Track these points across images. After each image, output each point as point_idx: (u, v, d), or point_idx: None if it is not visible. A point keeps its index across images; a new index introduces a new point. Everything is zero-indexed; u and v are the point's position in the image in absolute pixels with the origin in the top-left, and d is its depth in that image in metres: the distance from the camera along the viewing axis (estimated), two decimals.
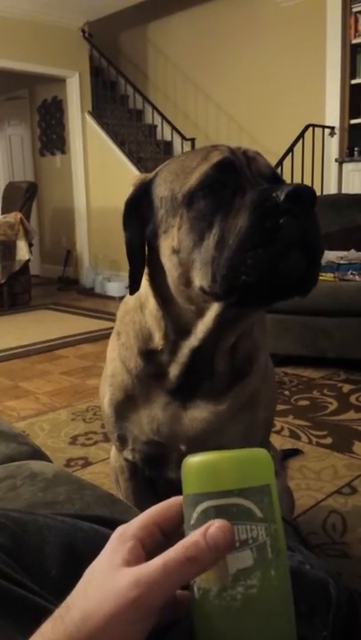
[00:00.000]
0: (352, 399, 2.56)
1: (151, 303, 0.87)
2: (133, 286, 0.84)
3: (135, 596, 0.38)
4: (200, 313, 0.82)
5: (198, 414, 0.90)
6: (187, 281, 0.78)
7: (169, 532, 0.43)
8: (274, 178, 0.79)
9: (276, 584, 0.40)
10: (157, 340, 0.87)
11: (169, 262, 0.79)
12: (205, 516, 0.40)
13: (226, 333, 0.84)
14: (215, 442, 0.92)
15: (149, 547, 0.42)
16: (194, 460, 0.43)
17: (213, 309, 0.79)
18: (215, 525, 0.39)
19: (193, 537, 0.39)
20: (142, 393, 0.92)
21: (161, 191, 0.79)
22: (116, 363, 0.94)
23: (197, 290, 0.77)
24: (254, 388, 0.95)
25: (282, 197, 0.68)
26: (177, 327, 0.85)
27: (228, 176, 0.74)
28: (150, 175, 0.84)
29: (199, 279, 0.76)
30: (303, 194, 0.69)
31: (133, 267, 0.83)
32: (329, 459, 1.97)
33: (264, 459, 0.43)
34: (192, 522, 0.41)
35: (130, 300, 0.93)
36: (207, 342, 0.84)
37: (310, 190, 0.70)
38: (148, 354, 0.89)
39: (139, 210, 0.82)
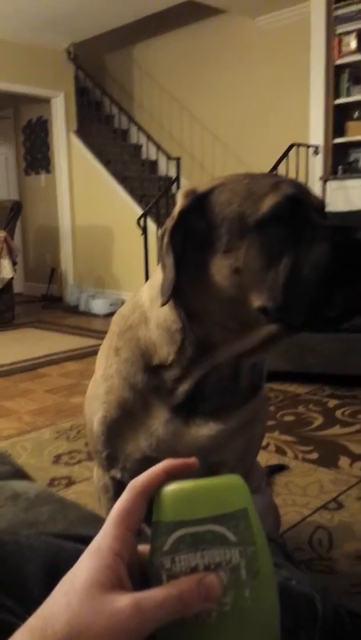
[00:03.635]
0: (337, 414, 2.56)
1: (161, 316, 0.86)
2: (170, 296, 0.82)
3: (135, 622, 0.38)
4: (243, 331, 0.83)
5: (206, 431, 0.89)
6: (243, 300, 0.80)
7: (136, 529, 0.44)
8: (322, 210, 0.86)
9: (250, 604, 0.41)
10: (165, 354, 0.86)
11: (226, 281, 0.80)
12: (181, 543, 0.42)
13: (263, 350, 0.87)
14: (217, 457, 0.92)
15: (125, 555, 0.42)
16: (170, 489, 0.44)
17: (265, 330, 0.82)
18: (210, 577, 0.41)
19: (188, 582, 0.40)
20: (142, 409, 0.91)
21: (223, 210, 0.80)
22: (114, 380, 0.92)
23: (253, 310, 0.80)
24: (258, 404, 0.96)
25: None
26: (201, 342, 0.85)
27: (297, 208, 0.79)
28: (201, 189, 0.84)
29: (262, 301, 0.79)
30: None
31: (176, 276, 0.82)
32: (315, 474, 1.97)
33: (239, 484, 0.44)
34: (165, 548, 0.42)
35: (129, 315, 0.92)
36: (233, 359, 0.86)
37: None
38: (154, 369, 0.88)
39: (185, 221, 0.83)
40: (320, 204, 0.85)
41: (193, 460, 0.47)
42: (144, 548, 0.45)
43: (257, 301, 0.79)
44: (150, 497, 0.44)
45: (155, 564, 0.42)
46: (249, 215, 0.78)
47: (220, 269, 0.80)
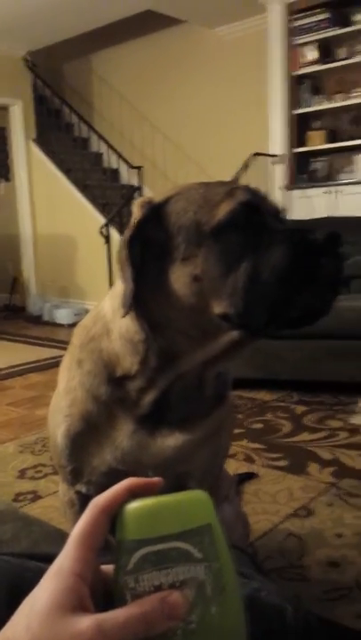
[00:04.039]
0: (305, 420, 2.58)
1: (123, 327, 0.85)
2: (130, 307, 0.82)
3: None
4: (206, 338, 0.83)
5: (172, 442, 0.88)
6: (204, 308, 0.80)
7: (98, 549, 0.43)
8: (279, 215, 0.86)
9: (216, 621, 0.41)
10: (128, 366, 0.86)
11: (186, 289, 0.80)
12: (145, 562, 0.41)
13: (227, 357, 0.87)
14: (183, 467, 0.92)
15: (87, 576, 0.42)
16: (132, 507, 0.43)
17: (228, 336, 0.82)
18: (174, 595, 0.40)
19: (152, 602, 0.40)
20: (107, 421, 0.89)
21: (180, 219, 0.81)
22: (77, 392, 0.91)
23: (215, 317, 0.80)
24: (224, 413, 0.96)
25: (322, 239, 0.75)
26: (165, 352, 0.84)
27: (253, 214, 0.79)
28: (158, 199, 0.84)
29: (222, 308, 0.79)
30: (338, 237, 0.76)
31: (136, 287, 0.81)
32: (284, 481, 1.97)
33: (202, 499, 0.44)
34: (129, 567, 0.41)
35: (92, 326, 0.91)
36: (198, 368, 0.86)
37: (340, 234, 0.77)
38: (117, 380, 0.87)
39: (142, 231, 0.83)
40: (276, 210, 0.86)
41: (157, 479, 0.46)
42: (108, 567, 0.44)
43: (218, 308, 0.79)
44: (113, 515, 0.44)
45: (119, 584, 0.41)
46: (205, 223, 0.79)
47: (180, 278, 0.80)
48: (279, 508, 1.77)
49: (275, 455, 2.19)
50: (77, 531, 0.43)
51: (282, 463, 2.12)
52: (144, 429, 0.88)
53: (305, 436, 2.38)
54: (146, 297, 0.82)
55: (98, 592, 0.42)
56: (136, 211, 0.83)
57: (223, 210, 0.78)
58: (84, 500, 1.01)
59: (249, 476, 1.99)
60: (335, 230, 0.76)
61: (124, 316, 0.83)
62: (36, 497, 1.94)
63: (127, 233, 0.82)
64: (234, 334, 0.82)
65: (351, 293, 3.24)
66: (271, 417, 2.64)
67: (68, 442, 0.92)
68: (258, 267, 0.77)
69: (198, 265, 0.79)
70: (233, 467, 2.05)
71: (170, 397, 0.87)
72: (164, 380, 0.86)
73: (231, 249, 0.78)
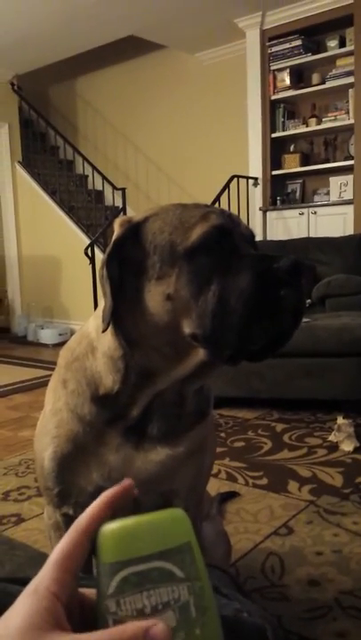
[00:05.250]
0: (285, 438, 2.61)
1: (105, 344, 0.87)
2: (109, 322, 0.84)
3: None
4: (179, 357, 0.85)
5: (155, 457, 0.89)
6: (175, 327, 0.82)
7: (77, 571, 0.43)
8: (252, 240, 0.88)
9: None
10: (110, 384, 0.87)
11: (159, 307, 0.82)
12: (126, 584, 0.40)
13: (201, 376, 0.88)
14: (167, 485, 0.92)
15: (63, 598, 0.41)
16: (110, 528, 0.42)
17: (199, 355, 0.84)
18: (159, 627, 0.38)
19: (134, 629, 0.38)
20: (93, 440, 0.90)
21: (156, 239, 0.83)
22: (63, 413, 0.92)
23: (186, 336, 0.82)
24: (206, 431, 0.97)
25: (285, 269, 0.77)
26: (142, 369, 0.86)
27: (225, 238, 0.81)
28: (137, 218, 0.86)
29: (192, 328, 0.81)
30: (302, 267, 0.79)
31: (114, 304, 0.84)
32: (265, 499, 1.99)
33: (181, 517, 0.43)
34: (111, 591, 0.40)
35: (76, 346, 0.93)
36: (176, 384, 0.87)
37: (305, 263, 0.78)
38: (101, 399, 0.88)
39: (121, 249, 0.85)
40: (249, 235, 0.88)
41: (128, 481, 0.46)
42: (91, 592, 0.44)
43: (187, 328, 0.81)
44: (95, 535, 0.43)
45: (100, 609, 0.40)
46: (179, 244, 0.81)
47: (154, 296, 0.82)
48: (260, 527, 1.79)
49: (256, 474, 2.22)
50: (57, 552, 0.42)
51: (263, 481, 2.14)
52: (129, 442, 0.89)
53: (285, 454, 2.41)
54: (124, 313, 0.84)
55: (74, 616, 0.42)
56: (116, 229, 0.86)
57: (197, 232, 0.80)
58: (70, 523, 1.00)
59: (231, 495, 2.01)
60: (299, 260, 0.79)
61: (103, 331, 0.84)
62: (19, 519, 1.93)
63: (107, 250, 0.85)
64: (202, 354, 0.83)
65: (327, 312, 3.30)
66: (252, 435, 2.66)
67: (55, 465, 0.92)
68: (225, 291, 0.79)
69: (171, 284, 0.81)
70: (216, 485, 2.06)
71: (151, 413, 0.88)
72: (144, 397, 0.87)
73: (202, 271, 0.80)
